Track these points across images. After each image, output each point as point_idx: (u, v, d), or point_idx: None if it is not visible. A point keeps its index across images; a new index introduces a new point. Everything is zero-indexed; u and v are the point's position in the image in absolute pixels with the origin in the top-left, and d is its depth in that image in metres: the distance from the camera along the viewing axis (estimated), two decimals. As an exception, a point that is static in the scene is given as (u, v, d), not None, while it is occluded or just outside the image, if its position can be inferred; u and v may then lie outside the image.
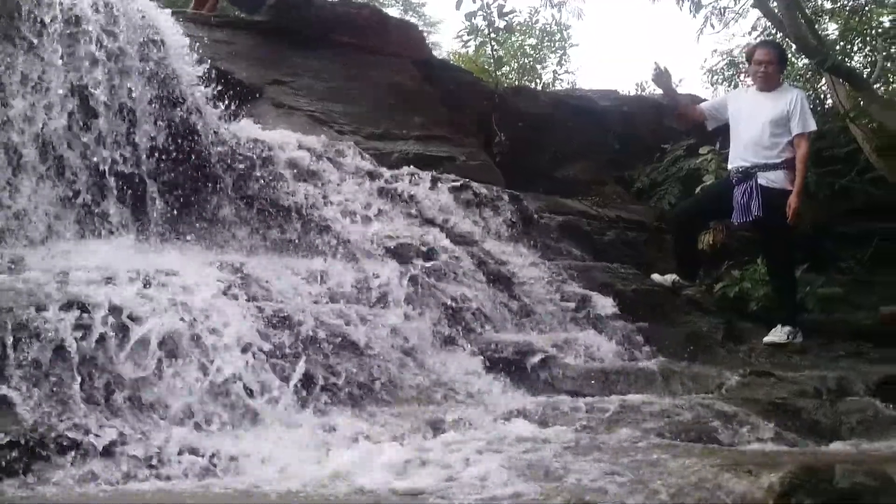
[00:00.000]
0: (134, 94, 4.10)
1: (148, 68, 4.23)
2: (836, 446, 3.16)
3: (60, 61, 3.98)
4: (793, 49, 8.37)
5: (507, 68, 10.73)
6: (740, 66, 12.12)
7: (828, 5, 8.55)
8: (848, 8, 7.92)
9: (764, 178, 5.21)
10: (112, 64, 4.12)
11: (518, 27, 11.28)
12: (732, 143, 5.48)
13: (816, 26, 7.93)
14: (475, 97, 6.97)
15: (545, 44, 11.68)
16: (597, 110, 7.88)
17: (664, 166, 7.52)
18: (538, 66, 11.52)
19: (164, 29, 4.49)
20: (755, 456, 2.64)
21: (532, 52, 11.60)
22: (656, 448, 2.57)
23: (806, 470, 2.06)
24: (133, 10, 4.37)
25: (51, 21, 4.04)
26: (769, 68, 5.35)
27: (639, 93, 15.01)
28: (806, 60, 8.35)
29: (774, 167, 5.23)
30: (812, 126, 5.26)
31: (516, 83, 10.23)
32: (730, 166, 5.48)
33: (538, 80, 11.25)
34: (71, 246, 3.54)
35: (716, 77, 12.98)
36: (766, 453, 2.75)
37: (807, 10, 7.58)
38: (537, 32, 11.58)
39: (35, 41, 4.00)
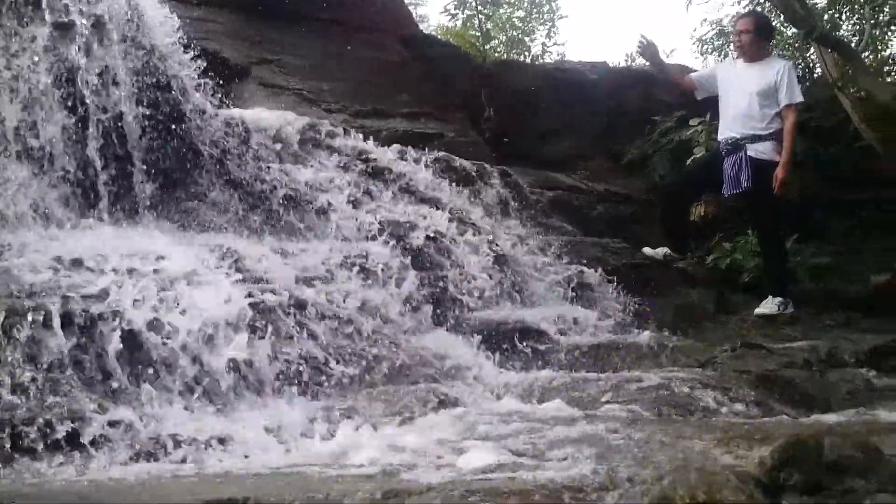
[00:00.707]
0: (118, 75, 4.06)
1: (132, 48, 4.17)
2: (828, 417, 3.18)
3: (44, 41, 3.93)
4: (781, 19, 8.36)
5: (496, 41, 10.65)
6: (730, 35, 12.11)
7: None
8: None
9: (753, 150, 5.22)
10: (96, 43, 4.07)
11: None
12: (721, 114, 5.47)
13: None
14: (463, 72, 6.92)
15: (534, 16, 11.60)
16: (586, 84, 7.84)
17: (654, 139, 7.51)
18: (526, 39, 11.44)
19: (147, 10, 4.43)
20: (747, 430, 2.64)
21: (520, 25, 11.52)
22: (648, 423, 2.58)
23: (795, 443, 2.06)
24: (115, -10, 4.31)
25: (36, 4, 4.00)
26: (744, 38, 5.37)
27: (628, 64, 14.97)
28: (794, 30, 8.30)
29: (763, 138, 5.24)
30: (799, 97, 5.27)
31: (505, 56, 10.18)
32: (719, 138, 5.48)
33: (527, 53, 11.19)
34: (60, 230, 3.50)
35: (705, 47, 12.97)
36: (757, 426, 2.76)
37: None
38: (525, 4, 11.50)
39: (20, 22, 3.95)
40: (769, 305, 5.22)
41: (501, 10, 11.25)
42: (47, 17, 4.00)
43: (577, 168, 7.36)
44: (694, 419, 2.76)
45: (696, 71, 6.31)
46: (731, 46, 5.58)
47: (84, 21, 4.10)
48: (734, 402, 3.11)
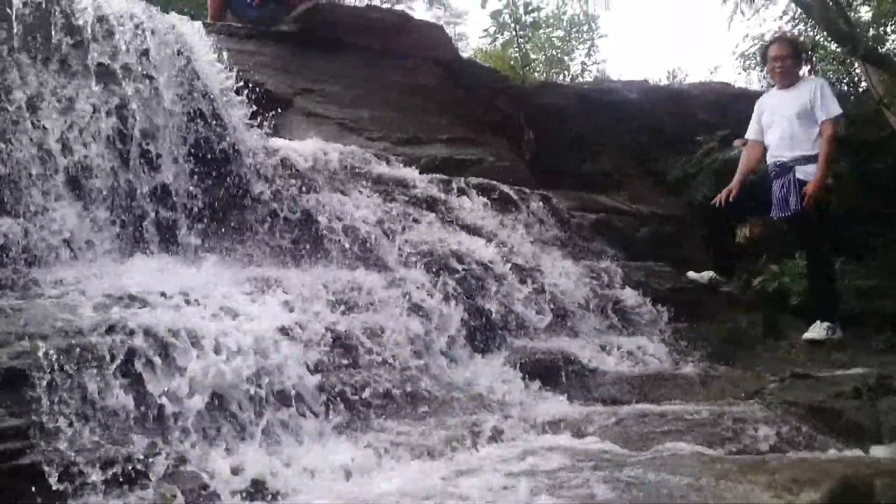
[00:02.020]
0: (167, 109, 4.15)
1: (180, 84, 4.27)
2: (879, 450, 3.12)
3: (94, 80, 4.04)
4: (824, 34, 8.25)
5: (534, 58, 10.64)
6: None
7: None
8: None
9: (801, 172, 5.17)
10: (143, 81, 4.17)
11: (545, 20, 11.25)
12: (768, 141, 5.44)
13: (849, 11, 7.77)
14: (501, 95, 6.94)
15: (573, 35, 11.60)
16: (625, 103, 7.80)
17: (697, 158, 7.44)
18: (566, 58, 11.44)
19: (194, 44, 4.53)
20: (795, 467, 2.61)
21: (559, 45, 11.52)
22: (695, 462, 2.55)
23: (844, 487, 2.04)
24: (163, 25, 4.42)
25: (83, 40, 4.11)
26: (786, 63, 5.33)
27: (669, 79, 14.89)
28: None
29: (812, 160, 5.18)
30: (836, 111, 5.20)
31: (544, 76, 10.19)
32: (768, 161, 5.43)
33: (566, 73, 11.19)
34: (110, 265, 3.58)
35: (748, 62, 12.86)
36: (806, 464, 2.72)
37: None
38: (565, 24, 11.50)
39: (68, 61, 4.07)
40: (817, 330, 5.13)
41: (540, 31, 11.30)
42: (95, 56, 4.12)
43: (618, 188, 7.33)
44: (742, 458, 2.72)
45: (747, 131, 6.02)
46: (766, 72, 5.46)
47: (131, 57, 4.21)
48: (783, 436, 3.07)
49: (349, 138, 5.31)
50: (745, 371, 3.89)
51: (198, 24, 5.13)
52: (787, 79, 5.36)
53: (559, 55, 11.36)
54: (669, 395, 3.61)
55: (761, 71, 12.62)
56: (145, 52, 4.25)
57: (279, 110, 5.25)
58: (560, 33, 11.60)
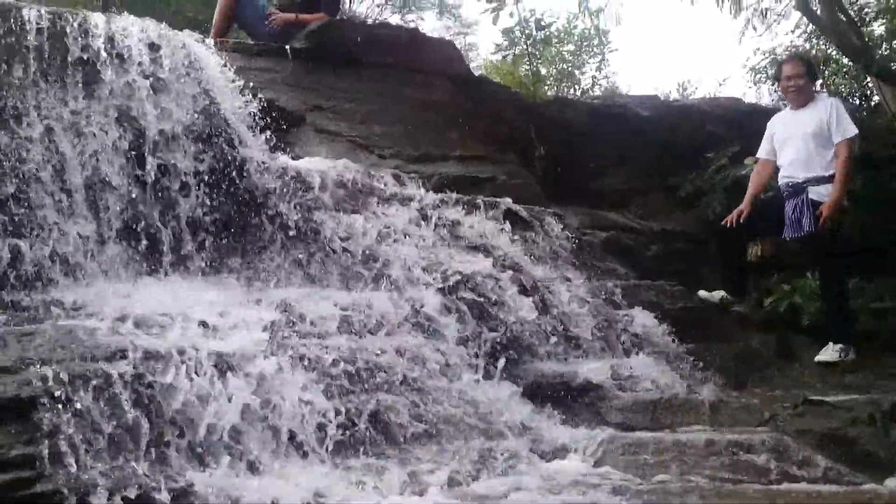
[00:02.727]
0: (180, 131, 4.17)
1: (194, 104, 4.29)
2: (892, 483, 3.09)
3: (108, 101, 4.06)
4: (836, 49, 8.22)
5: (545, 72, 10.63)
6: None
7: (873, 3, 8.34)
8: (894, 7, 7.72)
9: (815, 193, 5.15)
10: (157, 101, 4.19)
11: (556, 34, 11.25)
12: (781, 161, 5.40)
13: (862, 27, 7.75)
14: (513, 110, 6.92)
15: (583, 49, 11.59)
16: (636, 119, 7.76)
17: (709, 174, 7.40)
18: (576, 72, 11.42)
19: (208, 63, 4.55)
20: (807, 499, 2.59)
21: (570, 59, 11.52)
22: (706, 493, 2.53)
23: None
24: (177, 44, 4.44)
25: (97, 62, 4.13)
26: (799, 81, 5.30)
27: (681, 92, 14.85)
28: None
29: (825, 180, 5.16)
30: (852, 131, 5.18)
31: (555, 89, 10.17)
32: (780, 182, 5.40)
33: (577, 87, 11.17)
34: (125, 287, 3.60)
35: (759, 76, 12.81)
36: (818, 495, 2.69)
37: (851, 12, 7.40)
38: (576, 38, 11.49)
39: (82, 82, 4.09)
40: (830, 352, 5.09)
41: (551, 46, 11.30)
42: (109, 75, 4.14)
43: (630, 204, 7.30)
44: (752, 490, 2.70)
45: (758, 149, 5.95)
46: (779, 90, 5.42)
47: (145, 77, 4.23)
48: (795, 466, 3.05)
49: (361, 155, 5.32)
50: (758, 397, 3.86)
51: (209, 41, 5.18)
52: (801, 98, 5.34)
53: (570, 69, 11.34)
54: (682, 420, 3.59)
55: (773, 85, 12.63)
56: (158, 72, 4.28)
57: (291, 127, 5.28)
58: (571, 47, 11.60)
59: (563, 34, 11.55)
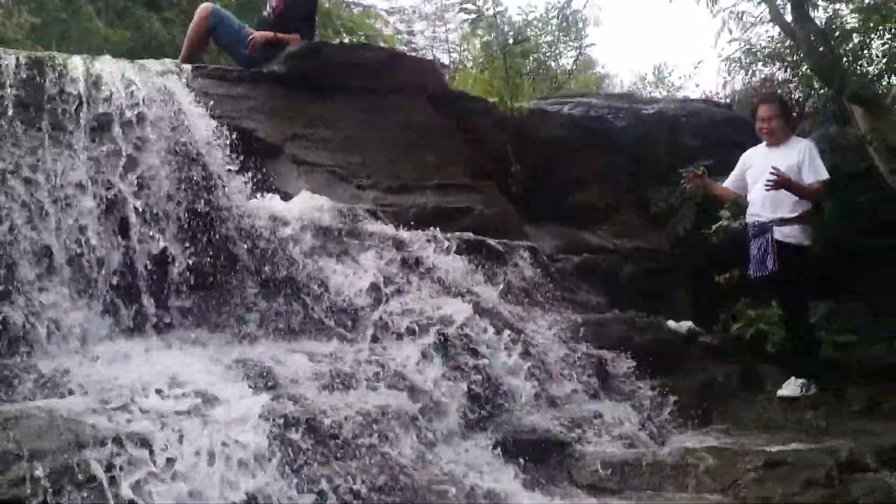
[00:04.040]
0: (159, 180, 4.17)
1: (172, 149, 4.29)
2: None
3: (85, 151, 4.06)
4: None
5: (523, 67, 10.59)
6: (757, 54, 12.02)
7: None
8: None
9: (780, 233, 5.26)
10: (136, 149, 4.19)
11: (534, 23, 11.23)
12: (751, 198, 5.50)
13: (841, 45, 7.82)
14: (491, 126, 6.97)
15: (561, 41, 11.59)
16: (612, 131, 7.85)
17: (680, 190, 7.51)
18: (553, 64, 11.44)
19: (185, 104, 4.54)
20: None
21: (549, 51, 11.52)
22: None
23: None
24: (154, 85, 4.43)
25: (76, 108, 4.12)
26: (772, 123, 5.40)
27: (655, 74, 14.87)
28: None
29: (790, 221, 5.27)
30: (824, 174, 5.29)
31: (532, 88, 10.17)
32: (747, 219, 5.51)
33: (554, 81, 11.20)
34: (100, 353, 3.63)
35: (732, 65, 12.88)
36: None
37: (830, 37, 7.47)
38: (553, 29, 11.47)
39: (60, 127, 4.07)
40: (792, 387, 5.27)
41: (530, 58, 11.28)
42: (84, 120, 4.13)
43: (604, 221, 7.41)
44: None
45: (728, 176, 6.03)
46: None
47: (124, 121, 4.22)
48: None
49: (339, 188, 5.34)
50: (722, 455, 3.98)
51: (187, 68, 5.15)
52: (775, 138, 5.44)
53: (548, 61, 11.35)
54: (649, 483, 3.74)
55: (746, 74, 12.72)
56: (138, 116, 4.27)
57: (270, 158, 5.28)
58: (549, 38, 11.59)
59: (540, 23, 11.55)
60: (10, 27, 14.03)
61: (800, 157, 5.28)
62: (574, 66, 12.43)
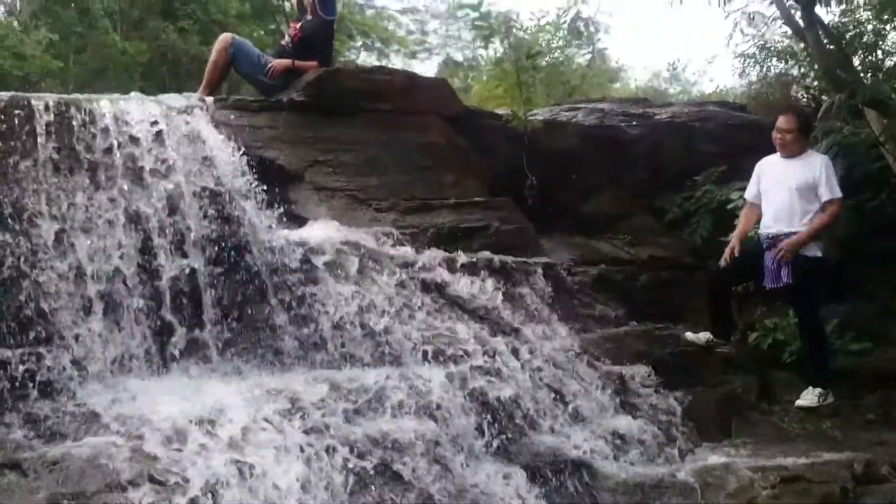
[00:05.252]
0: (187, 214, 4.32)
1: (198, 185, 4.43)
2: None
3: (115, 191, 4.21)
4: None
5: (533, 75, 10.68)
6: (771, 49, 12.02)
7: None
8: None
9: (794, 246, 5.34)
10: (164, 186, 4.33)
11: (546, 27, 11.32)
12: (764, 209, 5.58)
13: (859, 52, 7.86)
14: (505, 141, 7.06)
15: (573, 45, 11.67)
16: (626, 140, 7.92)
17: (696, 197, 7.58)
18: (562, 69, 11.51)
19: (209, 138, 4.68)
20: None
21: (561, 55, 11.60)
22: None
23: None
24: (180, 125, 4.57)
25: (104, 149, 4.26)
26: (788, 136, 5.46)
27: (670, 71, 14.81)
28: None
29: (804, 235, 5.34)
30: (839, 193, 5.36)
31: (546, 96, 10.26)
32: (761, 231, 5.59)
33: (567, 85, 11.27)
34: (140, 385, 3.79)
35: (747, 61, 12.89)
36: None
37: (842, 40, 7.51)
38: (564, 34, 11.53)
39: (90, 172, 4.22)
40: (809, 397, 5.36)
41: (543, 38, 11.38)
42: (113, 160, 4.27)
43: (619, 229, 7.48)
44: None
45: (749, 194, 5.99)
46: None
47: (151, 160, 4.37)
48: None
49: (359, 211, 5.47)
50: (740, 473, 4.09)
51: (210, 100, 5.29)
52: (788, 150, 5.50)
53: (559, 66, 11.42)
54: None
55: (761, 70, 12.71)
56: (165, 154, 4.41)
57: (291, 185, 5.42)
58: (561, 43, 11.66)
59: (552, 28, 11.62)
60: (29, 44, 14.34)
61: (816, 173, 5.34)
62: (588, 68, 12.48)
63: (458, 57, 26.53)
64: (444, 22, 27.75)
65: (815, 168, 5.36)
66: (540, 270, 5.55)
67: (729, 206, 6.85)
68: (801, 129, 5.48)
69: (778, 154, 5.64)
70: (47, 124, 4.14)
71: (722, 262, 5.66)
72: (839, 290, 6.40)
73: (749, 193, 5.87)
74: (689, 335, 5.83)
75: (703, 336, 5.80)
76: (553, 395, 4.60)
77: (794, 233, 5.33)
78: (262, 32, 20.05)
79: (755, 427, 5.23)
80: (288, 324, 4.44)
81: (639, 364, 5.28)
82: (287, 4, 14.27)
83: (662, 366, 5.37)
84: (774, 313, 6.30)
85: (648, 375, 5.19)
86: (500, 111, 7.49)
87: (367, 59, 25.32)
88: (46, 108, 4.21)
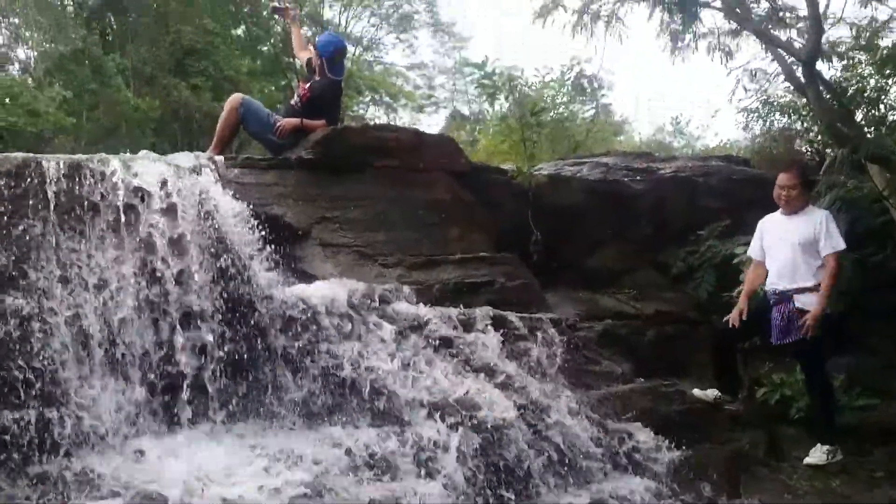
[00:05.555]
0: (194, 273, 4.36)
1: (207, 244, 4.48)
2: None
3: (124, 250, 4.26)
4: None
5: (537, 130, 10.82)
6: (774, 104, 12.15)
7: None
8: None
9: (800, 302, 5.36)
10: (173, 246, 4.38)
11: (551, 83, 11.49)
12: (768, 265, 5.61)
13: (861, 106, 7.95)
14: (510, 197, 7.15)
15: (577, 101, 11.83)
16: (630, 195, 8.00)
17: (700, 251, 7.62)
18: (567, 125, 11.64)
19: (219, 198, 4.74)
20: None
21: (566, 110, 11.75)
22: None
23: None
24: (189, 185, 4.63)
25: (114, 209, 4.33)
26: (792, 192, 5.51)
27: (673, 125, 14.96)
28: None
29: (811, 290, 5.36)
30: (841, 245, 5.40)
31: (550, 151, 10.37)
32: (767, 287, 5.61)
33: (571, 140, 11.40)
34: (146, 444, 3.80)
35: (750, 116, 13.02)
36: None
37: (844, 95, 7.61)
38: (568, 90, 11.71)
39: (102, 232, 4.28)
40: (818, 455, 5.32)
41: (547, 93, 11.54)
42: (123, 221, 4.33)
43: (624, 283, 7.51)
44: None
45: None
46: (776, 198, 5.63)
47: (160, 220, 4.43)
48: None
49: (365, 267, 5.52)
50: None
51: (220, 159, 5.38)
52: (791, 207, 5.55)
53: (564, 121, 11.56)
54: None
55: (765, 124, 12.83)
56: (174, 215, 4.47)
57: (298, 242, 5.48)
58: (565, 98, 11.83)
59: (556, 84, 11.80)
60: (43, 100, 14.63)
61: (817, 229, 5.39)
62: (591, 122, 12.63)
63: (465, 110, 26.93)
64: (450, 77, 28.24)
65: (817, 223, 5.40)
66: (545, 326, 5.54)
67: (734, 261, 6.87)
68: (803, 184, 5.54)
69: (780, 211, 5.69)
70: (57, 186, 4.20)
71: (731, 323, 5.66)
72: (842, 343, 6.39)
73: (753, 252, 5.91)
74: (697, 392, 5.80)
75: (711, 393, 5.78)
76: (558, 454, 4.56)
77: (800, 289, 5.35)
78: (273, 88, 20.47)
79: (764, 484, 5.16)
80: (292, 382, 4.44)
81: (645, 421, 5.23)
82: (297, 62, 14.51)
83: (669, 423, 5.33)
84: (782, 368, 6.30)
85: (655, 433, 5.13)
86: (505, 166, 7.60)
87: (375, 113, 25.78)
88: (57, 170, 4.27)
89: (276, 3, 7.03)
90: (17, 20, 16.77)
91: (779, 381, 6.15)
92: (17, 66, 17.36)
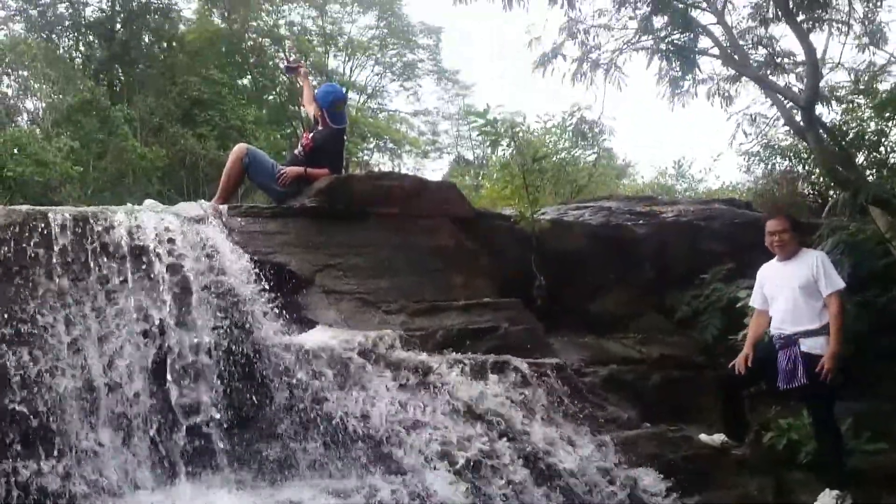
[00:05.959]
0: (198, 323, 4.38)
1: (210, 294, 4.51)
2: None
3: (128, 301, 4.29)
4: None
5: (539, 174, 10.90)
6: (775, 147, 12.23)
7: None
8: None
9: (806, 345, 5.35)
10: (176, 296, 4.42)
11: (552, 129, 11.63)
12: (772, 312, 5.62)
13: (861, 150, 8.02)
14: (513, 243, 7.17)
15: (578, 144, 11.91)
16: (632, 240, 8.02)
17: (705, 294, 7.61)
18: (569, 169, 11.73)
19: (222, 248, 4.79)
20: None
21: (568, 155, 11.85)
22: None
23: None
24: (194, 235, 4.68)
25: (119, 261, 4.37)
26: (784, 236, 5.54)
27: (675, 168, 15.04)
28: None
29: (816, 333, 5.35)
30: (840, 284, 5.41)
31: (553, 195, 10.44)
32: (772, 331, 5.60)
33: (574, 184, 11.47)
34: (147, 499, 3.77)
35: (752, 159, 13.10)
36: None
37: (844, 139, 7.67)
38: (570, 136, 11.80)
39: (107, 284, 4.32)
40: (826, 500, 5.25)
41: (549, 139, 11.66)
42: (128, 272, 4.36)
43: (628, 328, 7.50)
44: None
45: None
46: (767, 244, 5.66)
47: (165, 272, 4.46)
48: None
49: (368, 313, 5.53)
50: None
51: (224, 208, 5.43)
52: (786, 252, 5.57)
53: (568, 167, 11.65)
54: None
55: (766, 167, 12.91)
56: (178, 265, 4.51)
57: (301, 289, 5.50)
58: (567, 144, 11.93)
59: (558, 130, 11.93)
60: (51, 150, 14.80)
61: (813, 270, 5.40)
62: (594, 167, 12.72)
63: (469, 155, 27.20)
64: (454, 123, 28.57)
65: (814, 265, 5.42)
66: (550, 371, 5.53)
67: (738, 305, 6.86)
68: (793, 227, 5.58)
69: (776, 258, 5.71)
70: (63, 239, 4.25)
71: (737, 370, 5.64)
72: (846, 386, 6.35)
73: (755, 301, 5.92)
74: (704, 437, 5.76)
75: (718, 438, 5.73)
76: (565, 496, 4.52)
77: (805, 332, 5.34)
78: (279, 136, 20.70)
79: (773, 535, 5.10)
80: (294, 431, 4.43)
81: (652, 467, 5.19)
82: (303, 110, 14.72)
83: (676, 469, 5.30)
84: (788, 413, 6.24)
85: (663, 481, 5.09)
86: (507, 212, 7.64)
87: (380, 159, 26.04)
88: (63, 223, 4.33)
89: (289, 63, 7.20)
90: (25, 73, 17.04)
91: (786, 426, 6.08)
92: (25, 116, 17.62)
